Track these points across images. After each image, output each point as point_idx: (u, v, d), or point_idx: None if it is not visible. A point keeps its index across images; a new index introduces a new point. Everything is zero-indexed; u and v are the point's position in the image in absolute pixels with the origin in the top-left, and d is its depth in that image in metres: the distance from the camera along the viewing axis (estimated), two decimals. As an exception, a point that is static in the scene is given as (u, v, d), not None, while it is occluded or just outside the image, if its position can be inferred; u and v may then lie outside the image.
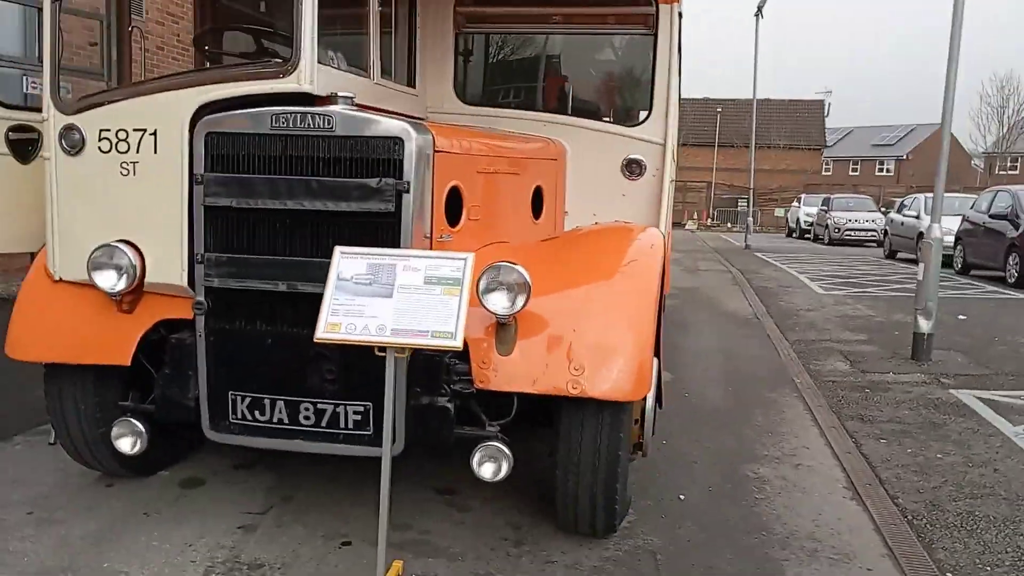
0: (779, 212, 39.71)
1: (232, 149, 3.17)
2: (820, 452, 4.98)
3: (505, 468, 3.22)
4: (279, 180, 3.13)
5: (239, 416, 3.28)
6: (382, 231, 3.12)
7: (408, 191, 3.10)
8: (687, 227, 37.07)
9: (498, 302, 3.12)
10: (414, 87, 4.47)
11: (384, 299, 2.92)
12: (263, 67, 3.30)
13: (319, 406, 3.23)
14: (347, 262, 2.99)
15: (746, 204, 44.88)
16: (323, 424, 3.23)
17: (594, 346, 3.18)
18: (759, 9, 22.58)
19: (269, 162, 3.15)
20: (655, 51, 4.49)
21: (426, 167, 3.19)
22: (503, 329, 3.20)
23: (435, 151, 3.23)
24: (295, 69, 3.14)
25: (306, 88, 3.14)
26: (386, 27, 4.04)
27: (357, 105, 3.28)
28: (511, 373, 3.17)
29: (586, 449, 3.29)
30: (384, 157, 3.10)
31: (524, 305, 3.11)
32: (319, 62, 3.35)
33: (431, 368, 3.20)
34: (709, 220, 42.07)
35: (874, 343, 8.42)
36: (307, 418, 3.24)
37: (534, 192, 4.22)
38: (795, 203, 34.00)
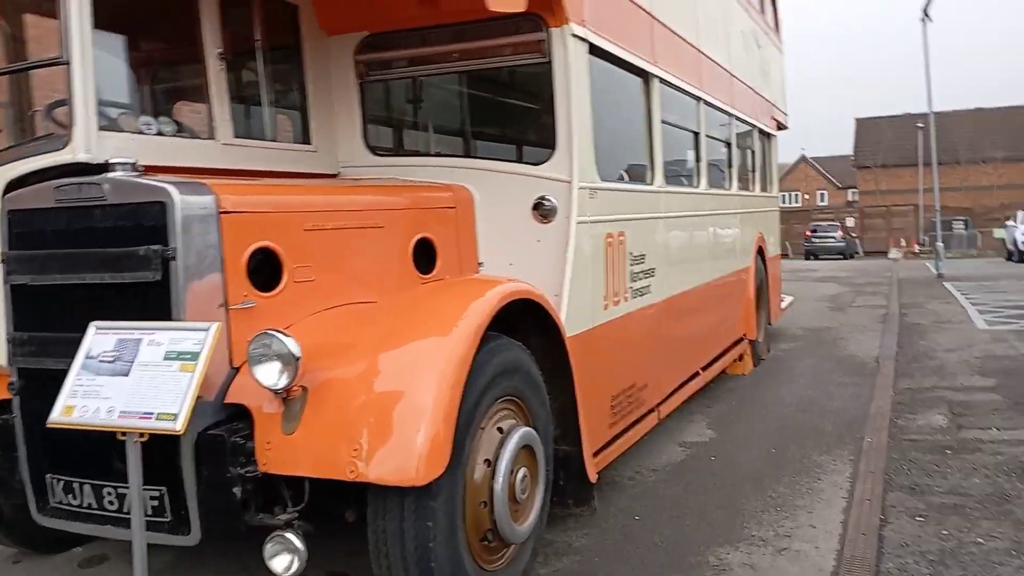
0: (998, 233, 35.13)
1: (28, 226, 3.11)
2: (827, 533, 4.09)
3: (297, 563, 2.84)
4: (60, 255, 3.02)
5: (56, 499, 3.15)
6: (152, 303, 2.90)
7: (175, 258, 2.86)
8: (890, 256, 33.77)
9: (267, 375, 2.78)
10: (310, 143, 4.25)
11: (122, 378, 2.69)
12: (51, 141, 3.22)
13: (119, 490, 3.02)
14: (99, 338, 2.80)
15: (962, 226, 40.47)
16: (125, 509, 3.02)
17: (377, 422, 2.75)
18: (925, 12, 20.39)
19: (57, 236, 3.05)
20: (552, 80, 3.97)
21: (205, 231, 2.94)
22: (288, 404, 2.85)
23: (222, 212, 2.99)
24: (71, 140, 3.03)
25: (81, 157, 3.02)
26: (240, 87, 3.88)
27: (162, 170, 3.13)
28: (292, 454, 2.80)
29: (392, 541, 2.84)
30: (150, 224, 2.90)
31: (292, 380, 2.76)
32: (123, 130, 3.24)
33: (214, 450, 2.90)
34: (917, 246, 37.86)
35: (1001, 390, 7.01)
36: (111, 503, 3.04)
37: (418, 245, 3.83)
38: (1009, 221, 29.76)
